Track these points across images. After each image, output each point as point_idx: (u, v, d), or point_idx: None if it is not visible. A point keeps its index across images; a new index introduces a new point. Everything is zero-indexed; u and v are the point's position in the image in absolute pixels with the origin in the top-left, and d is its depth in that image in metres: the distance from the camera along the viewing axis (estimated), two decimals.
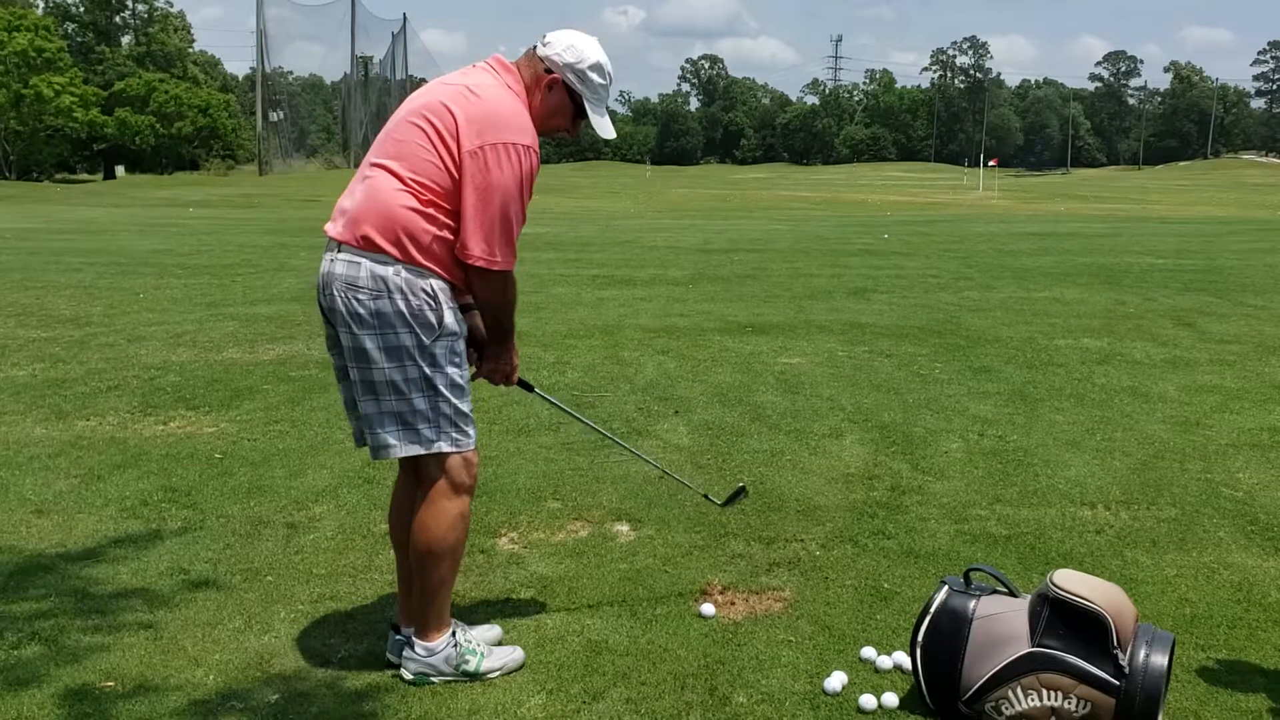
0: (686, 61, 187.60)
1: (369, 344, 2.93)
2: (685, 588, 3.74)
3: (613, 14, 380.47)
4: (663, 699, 2.98)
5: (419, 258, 2.90)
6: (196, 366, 7.60)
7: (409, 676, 3.09)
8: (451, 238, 2.91)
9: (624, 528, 4.36)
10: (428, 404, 2.96)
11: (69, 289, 12.12)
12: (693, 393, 6.82)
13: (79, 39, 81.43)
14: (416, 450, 2.99)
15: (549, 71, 3.02)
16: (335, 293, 2.95)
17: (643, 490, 4.81)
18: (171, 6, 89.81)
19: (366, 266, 2.90)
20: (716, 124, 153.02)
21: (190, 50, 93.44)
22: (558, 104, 3.04)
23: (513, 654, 3.17)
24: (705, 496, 3.93)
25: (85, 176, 74.59)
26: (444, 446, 3.00)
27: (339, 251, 2.96)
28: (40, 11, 74.88)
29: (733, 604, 3.63)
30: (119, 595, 3.64)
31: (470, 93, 2.93)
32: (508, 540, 4.22)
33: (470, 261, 2.90)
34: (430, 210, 2.89)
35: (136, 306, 10.72)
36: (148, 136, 75.06)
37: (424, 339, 2.92)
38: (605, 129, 3.09)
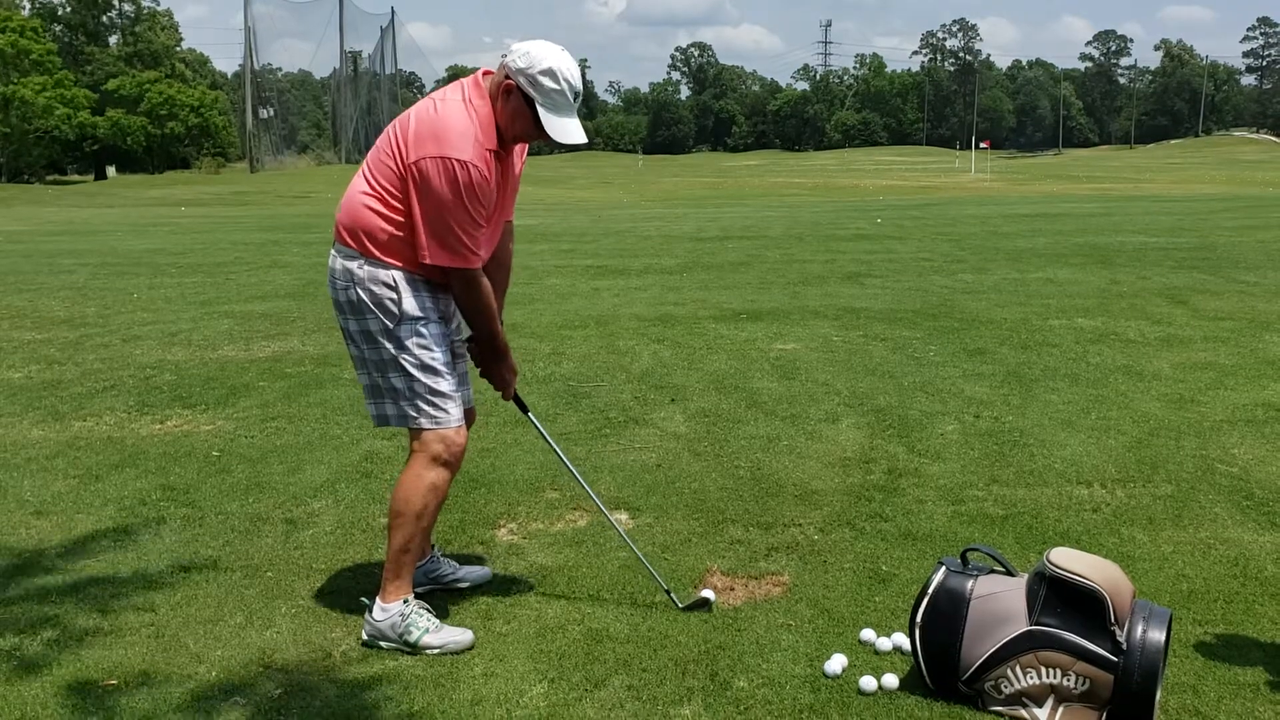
0: (676, 50, 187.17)
1: (352, 327, 3.30)
2: (684, 574, 3.76)
3: (594, 4, 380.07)
4: (664, 685, 3.00)
5: (377, 252, 3.20)
6: (192, 365, 7.59)
7: (364, 638, 3.29)
8: (407, 234, 3.17)
9: (623, 516, 4.36)
10: (403, 383, 3.27)
11: (63, 290, 12.11)
12: (689, 380, 6.83)
13: (67, 40, 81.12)
14: (401, 424, 3.32)
15: (508, 79, 3.15)
16: (329, 283, 3.34)
17: (640, 479, 4.82)
18: (158, 5, 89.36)
19: (339, 260, 3.27)
20: (708, 112, 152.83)
21: (178, 48, 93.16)
22: (516, 109, 3.17)
23: (459, 635, 3.27)
24: (668, 592, 3.48)
25: (76, 177, 74.43)
26: (423, 423, 3.28)
27: (332, 247, 3.33)
28: (26, 13, 74.53)
29: (732, 589, 3.64)
30: (120, 593, 3.64)
31: (433, 106, 3.18)
32: (507, 531, 4.23)
33: (427, 261, 3.16)
34: (387, 210, 3.18)
35: (131, 306, 10.71)
36: (139, 137, 74.88)
37: (388, 324, 3.22)
38: (564, 133, 3.19)
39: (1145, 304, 9.83)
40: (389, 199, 3.16)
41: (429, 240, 3.11)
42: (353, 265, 3.22)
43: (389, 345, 3.23)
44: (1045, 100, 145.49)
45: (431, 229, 3.10)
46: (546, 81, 3.12)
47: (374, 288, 3.19)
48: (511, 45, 3.20)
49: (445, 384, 3.27)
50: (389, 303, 3.20)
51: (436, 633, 3.24)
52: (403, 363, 3.23)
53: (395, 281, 3.19)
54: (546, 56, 3.12)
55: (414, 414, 3.26)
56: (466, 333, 3.46)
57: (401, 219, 3.16)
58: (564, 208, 33.67)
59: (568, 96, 3.16)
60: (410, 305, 3.20)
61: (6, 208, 38.78)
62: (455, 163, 3.05)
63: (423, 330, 3.23)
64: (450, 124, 3.10)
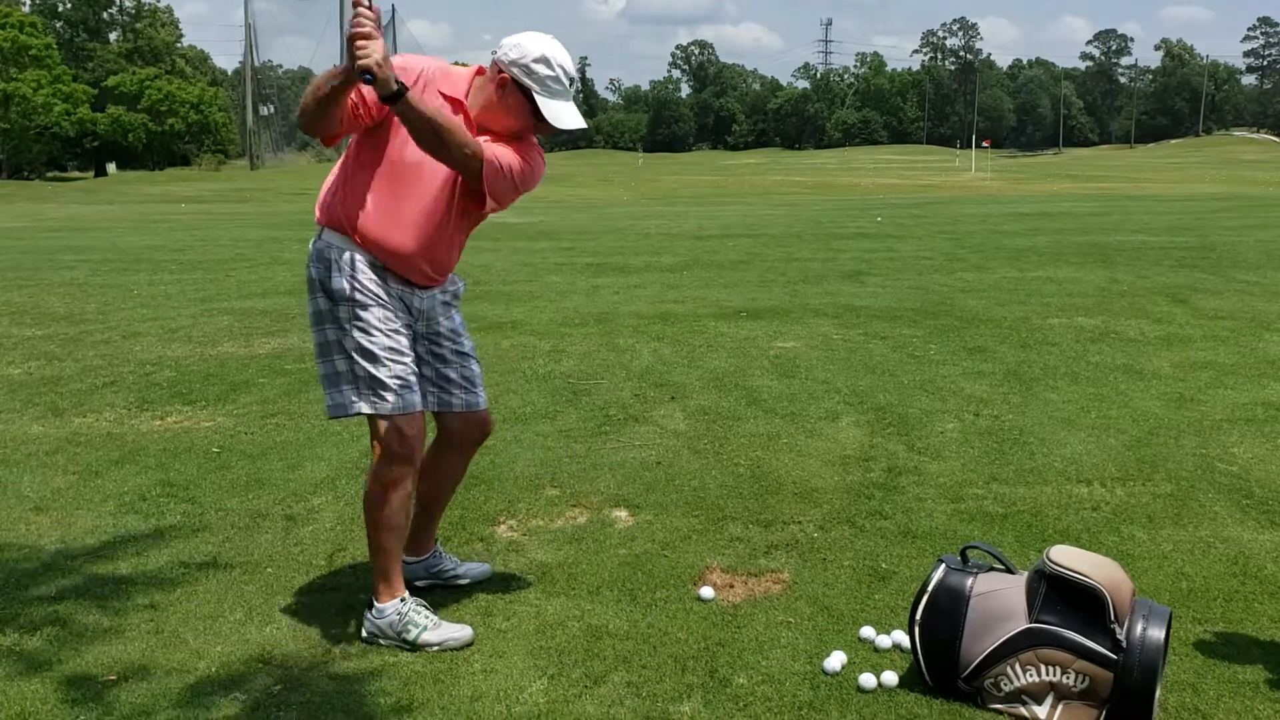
0: (677, 48, 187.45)
1: (309, 309, 3.27)
2: (684, 571, 3.76)
3: (594, 2, 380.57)
4: (664, 682, 3.00)
5: (327, 215, 3.20)
6: (192, 361, 7.59)
7: (364, 635, 3.28)
8: (348, 190, 3.16)
9: (622, 513, 4.37)
10: (345, 366, 3.20)
11: (63, 286, 12.10)
12: (689, 378, 6.83)
13: (68, 36, 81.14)
14: (346, 411, 3.22)
15: (501, 73, 3.14)
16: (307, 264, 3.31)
17: (640, 476, 4.82)
18: (159, 1, 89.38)
19: (316, 244, 3.25)
20: (708, 110, 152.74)
21: (178, 45, 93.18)
22: (514, 102, 3.15)
23: (458, 631, 3.26)
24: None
25: (76, 174, 74.39)
26: (363, 408, 3.19)
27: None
28: (26, 9, 74.54)
29: (731, 587, 3.64)
30: (120, 589, 3.64)
31: None
32: (507, 528, 4.23)
33: None
34: (338, 170, 3.21)
35: (131, 303, 10.71)
36: (139, 134, 74.89)
37: (331, 303, 3.18)
38: (562, 119, 3.18)
39: (1145, 303, 9.83)
40: (349, 158, 3.18)
41: None
42: (311, 242, 3.24)
43: (330, 326, 3.19)
44: (1046, 99, 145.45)
45: None
46: (540, 69, 3.11)
47: (320, 264, 3.18)
48: (501, 40, 3.19)
49: (383, 371, 3.16)
50: (326, 280, 3.17)
51: (435, 630, 3.24)
52: (344, 344, 3.17)
53: (333, 258, 3.15)
54: (538, 45, 3.13)
55: (355, 399, 3.18)
56: (445, 326, 3.42)
57: (348, 174, 3.17)
58: (564, 205, 33.64)
59: (563, 82, 3.15)
60: (340, 285, 3.14)
61: (7, 204, 38.77)
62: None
63: (360, 314, 3.15)
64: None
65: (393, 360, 3.18)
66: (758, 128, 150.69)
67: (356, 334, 3.15)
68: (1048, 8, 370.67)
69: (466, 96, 3.17)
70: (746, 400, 6.22)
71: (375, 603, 3.28)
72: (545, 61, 3.11)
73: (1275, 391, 6.31)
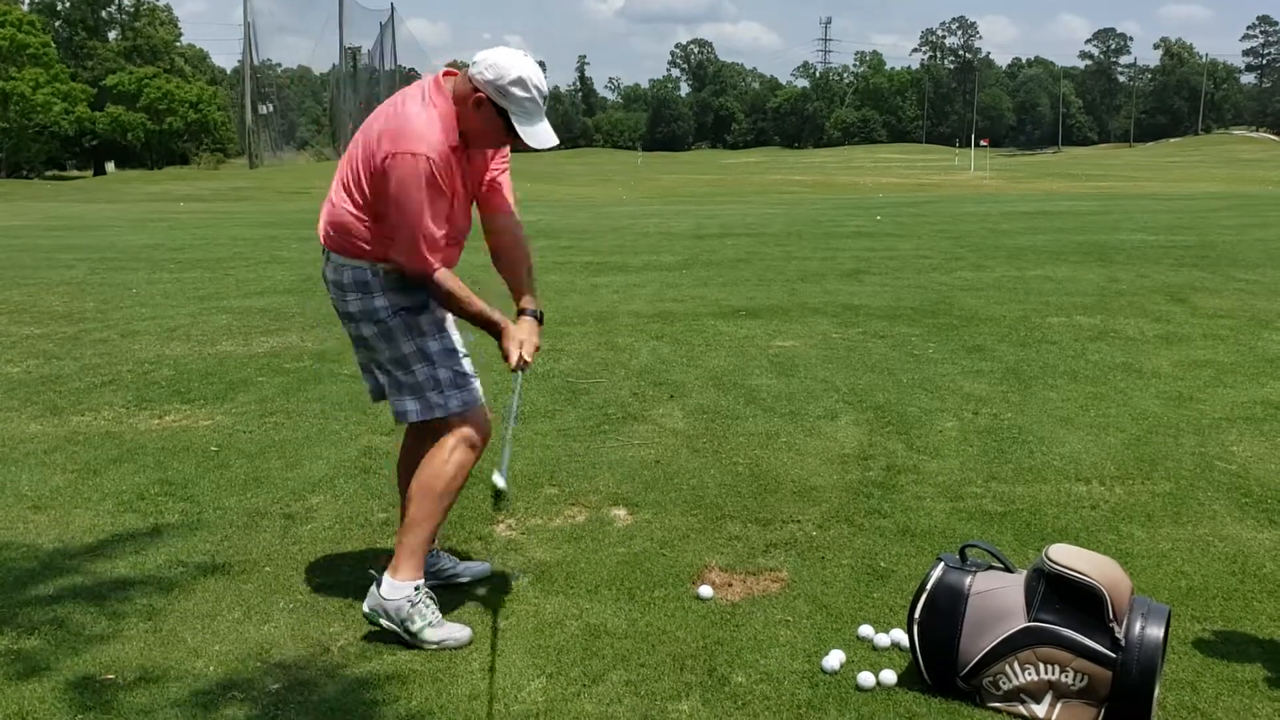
0: (676, 46, 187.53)
1: (366, 331, 3.33)
2: (683, 570, 3.76)
3: (593, 1, 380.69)
4: (662, 680, 2.99)
5: (355, 254, 3.25)
6: (191, 360, 7.59)
7: (365, 610, 3.28)
8: (382, 243, 3.22)
9: (621, 512, 4.37)
10: (425, 373, 3.32)
11: (61, 285, 12.10)
12: (687, 377, 6.83)
13: (66, 35, 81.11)
14: (430, 415, 3.33)
15: (476, 90, 3.16)
16: (333, 296, 3.38)
17: (639, 475, 4.82)
18: (158, 0, 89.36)
19: (339, 272, 3.30)
20: (707, 109, 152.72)
21: (177, 44, 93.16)
22: (488, 122, 3.19)
23: (458, 631, 3.27)
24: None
25: (75, 173, 74.33)
26: (454, 407, 3.34)
27: (325, 257, 3.36)
28: (25, 7, 74.54)
29: (730, 585, 3.64)
30: (118, 588, 3.64)
31: (395, 108, 3.22)
32: (505, 526, 4.23)
33: (392, 255, 3.21)
34: (360, 211, 3.21)
35: (129, 301, 10.70)
36: (138, 133, 74.88)
37: (395, 318, 3.28)
38: (538, 139, 3.22)
39: (1144, 301, 9.83)
40: (363, 200, 3.20)
41: (398, 243, 3.18)
42: (335, 273, 3.30)
43: (405, 339, 3.29)
44: (1045, 98, 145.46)
45: (398, 230, 3.15)
46: (517, 91, 3.14)
47: (360, 290, 3.27)
48: (475, 56, 3.21)
49: (467, 363, 3.39)
50: (371, 300, 3.28)
51: (438, 628, 3.23)
52: (427, 352, 3.31)
53: (371, 282, 3.25)
54: (513, 65, 3.14)
55: (442, 402, 3.32)
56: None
57: (374, 230, 3.21)
58: (564, 205, 33.67)
59: (538, 103, 3.19)
60: (397, 299, 3.28)
61: (6, 202, 38.77)
62: (411, 155, 3.08)
63: (428, 317, 3.33)
64: (411, 121, 3.14)
65: (465, 353, 3.42)
66: (757, 126, 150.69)
67: (430, 342, 3.33)
68: (1047, 6, 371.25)
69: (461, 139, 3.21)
70: (745, 399, 6.22)
71: (391, 578, 3.25)
72: (522, 84, 3.14)
73: (1274, 390, 6.31)
